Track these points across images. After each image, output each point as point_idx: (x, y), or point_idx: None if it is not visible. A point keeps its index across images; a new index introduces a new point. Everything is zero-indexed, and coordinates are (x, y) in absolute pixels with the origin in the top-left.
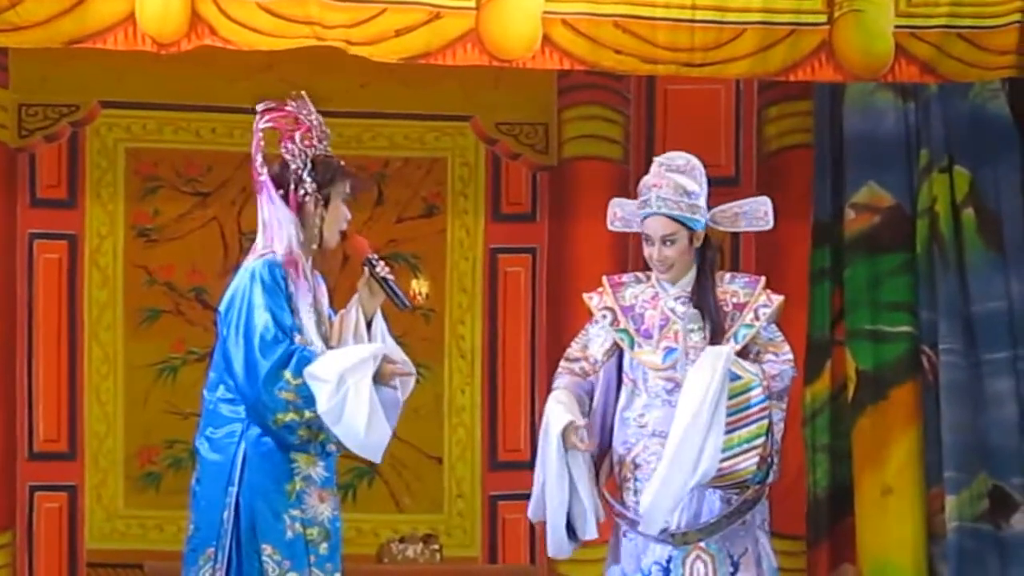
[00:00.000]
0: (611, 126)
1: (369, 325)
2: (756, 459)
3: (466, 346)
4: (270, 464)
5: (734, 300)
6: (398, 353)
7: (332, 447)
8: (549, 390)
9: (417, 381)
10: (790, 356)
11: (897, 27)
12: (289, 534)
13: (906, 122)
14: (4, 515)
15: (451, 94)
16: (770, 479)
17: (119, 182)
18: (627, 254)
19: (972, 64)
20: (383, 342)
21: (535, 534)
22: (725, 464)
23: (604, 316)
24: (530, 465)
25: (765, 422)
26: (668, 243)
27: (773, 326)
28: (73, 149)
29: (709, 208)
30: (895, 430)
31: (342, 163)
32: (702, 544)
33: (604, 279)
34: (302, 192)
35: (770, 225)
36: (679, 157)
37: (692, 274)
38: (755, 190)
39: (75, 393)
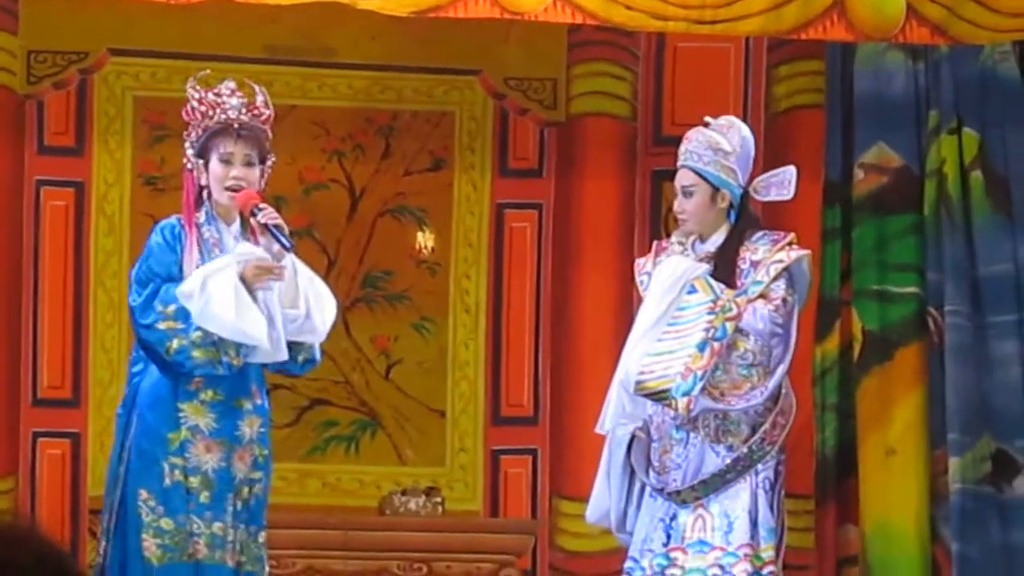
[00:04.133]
0: (620, 83)
1: None
2: (680, 370)
3: (471, 301)
4: (156, 413)
5: (752, 257)
6: (309, 278)
7: (232, 359)
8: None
9: (421, 335)
10: (776, 305)
11: None
12: (167, 481)
13: (916, 83)
14: (7, 461)
15: (460, 48)
16: (694, 392)
17: (127, 130)
18: (633, 212)
19: (983, 26)
20: (297, 286)
21: (536, 488)
22: (645, 369)
23: (641, 282)
24: (532, 420)
25: (699, 336)
26: (687, 195)
27: (780, 281)
28: (81, 96)
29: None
30: (900, 391)
31: (218, 127)
32: (702, 502)
33: (654, 244)
34: (185, 159)
35: (791, 195)
36: (725, 119)
37: (720, 237)
38: (764, 149)
39: (80, 340)
